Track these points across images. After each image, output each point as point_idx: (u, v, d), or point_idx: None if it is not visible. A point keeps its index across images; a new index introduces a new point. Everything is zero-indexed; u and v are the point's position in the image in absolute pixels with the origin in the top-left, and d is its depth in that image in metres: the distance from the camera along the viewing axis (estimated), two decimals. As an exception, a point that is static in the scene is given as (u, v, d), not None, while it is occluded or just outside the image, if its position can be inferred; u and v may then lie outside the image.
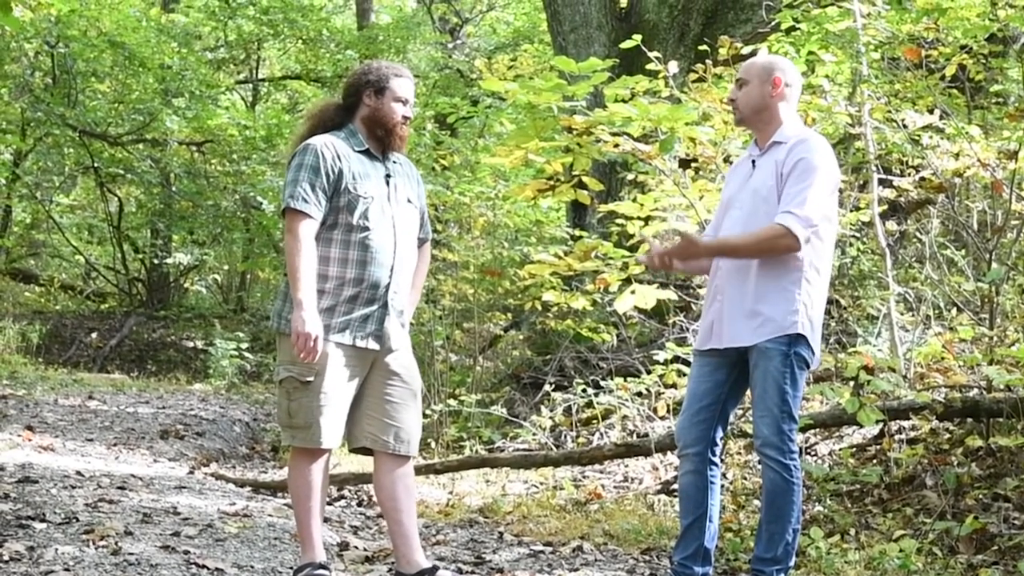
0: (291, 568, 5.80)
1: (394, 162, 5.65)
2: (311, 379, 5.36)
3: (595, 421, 10.01)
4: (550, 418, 10.06)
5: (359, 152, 5.54)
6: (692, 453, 5.68)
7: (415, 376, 5.62)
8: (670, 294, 8.98)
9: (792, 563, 5.54)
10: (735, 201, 5.75)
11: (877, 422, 7.46)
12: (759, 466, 6.80)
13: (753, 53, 8.68)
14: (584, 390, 9.98)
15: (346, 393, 5.46)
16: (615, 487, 8.92)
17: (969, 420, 7.77)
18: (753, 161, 5.74)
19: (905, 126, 9.10)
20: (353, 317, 5.41)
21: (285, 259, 5.45)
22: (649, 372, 9.71)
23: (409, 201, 5.64)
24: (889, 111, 9.18)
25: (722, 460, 8.36)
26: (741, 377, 5.70)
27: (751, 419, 6.95)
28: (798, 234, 5.39)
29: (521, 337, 13.44)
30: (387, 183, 5.55)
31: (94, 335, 20.54)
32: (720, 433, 5.74)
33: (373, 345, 5.45)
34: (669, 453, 8.59)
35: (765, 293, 5.48)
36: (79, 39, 19.86)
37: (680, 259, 5.64)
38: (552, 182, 8.81)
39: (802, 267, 5.49)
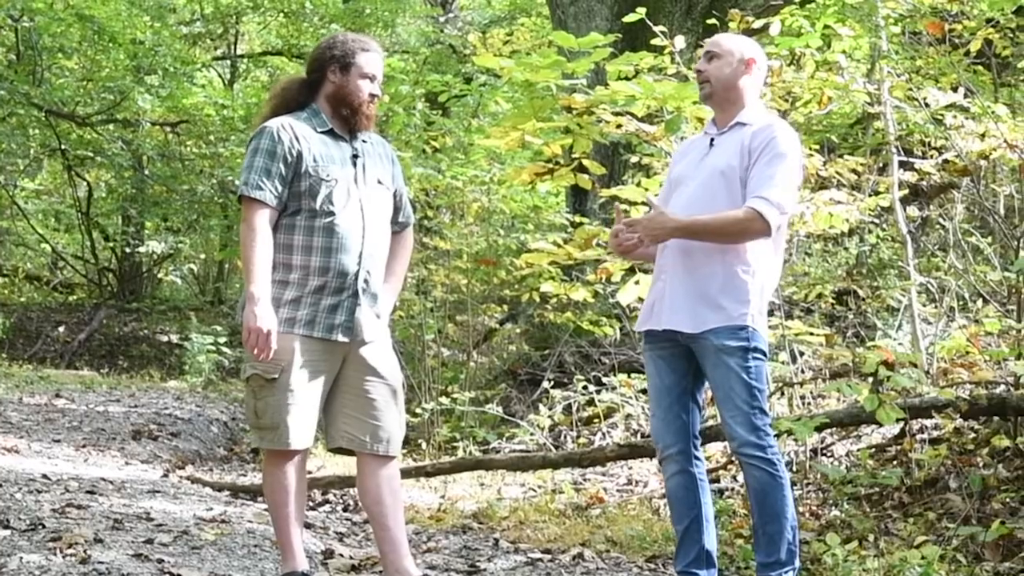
0: (272, 577, 5.82)
1: (364, 141, 5.60)
2: (276, 376, 5.33)
3: (597, 420, 10.03)
4: (549, 417, 10.08)
5: (322, 132, 5.50)
6: (675, 452, 5.68)
7: (394, 370, 5.58)
8: (676, 284, 8.97)
9: (798, 563, 5.54)
10: (686, 179, 5.73)
11: (897, 421, 7.46)
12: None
13: (765, 27, 8.68)
14: (585, 387, 10.00)
15: (315, 390, 5.42)
16: (618, 490, 8.94)
17: (995, 419, 7.79)
18: (712, 140, 5.74)
19: (927, 105, 9.10)
20: (320, 308, 5.38)
21: (240, 250, 5.44)
22: (654, 368, 9.70)
23: (380, 182, 5.58)
24: (910, 89, 9.18)
25: (730, 462, 8.40)
26: (698, 363, 5.69)
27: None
28: (770, 220, 5.39)
29: (518, 331, 13.45)
30: (354, 164, 5.52)
31: (61, 329, 20.56)
32: (698, 425, 5.74)
33: (343, 337, 5.41)
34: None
35: (714, 279, 5.49)
36: (45, 12, 19.82)
37: (649, 235, 5.58)
38: (550, 165, 8.81)
39: (755, 254, 5.51)
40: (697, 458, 5.71)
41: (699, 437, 5.75)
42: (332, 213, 5.38)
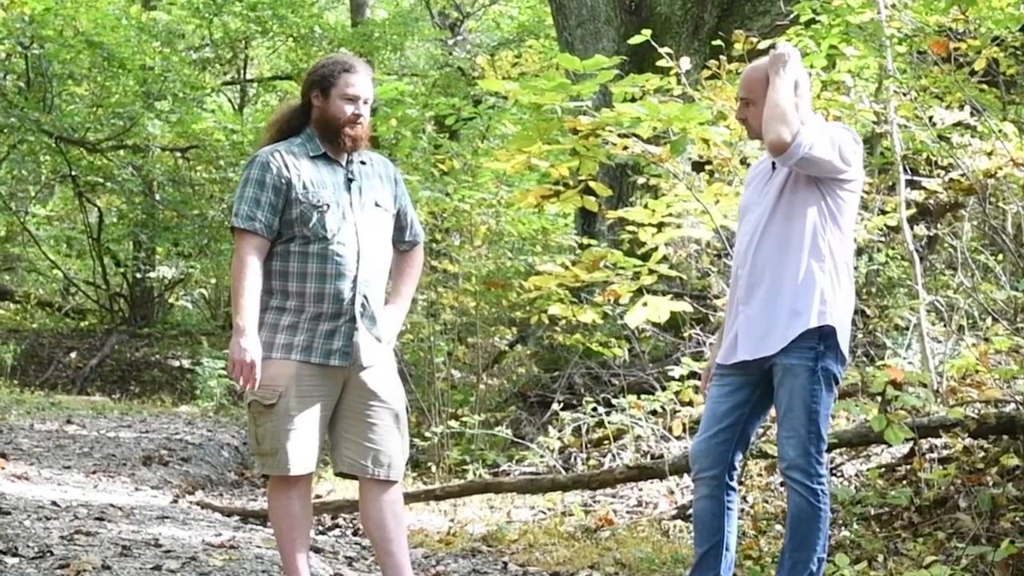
0: (280, 603, 5.81)
1: (362, 163, 5.57)
2: (274, 402, 5.34)
3: (606, 442, 10.00)
4: (558, 439, 10.06)
5: (315, 157, 5.47)
6: (708, 477, 5.67)
7: (396, 394, 5.55)
8: (685, 306, 8.98)
9: (814, 594, 5.54)
10: (752, 205, 5.75)
11: (906, 440, 7.43)
12: (782, 489, 6.81)
13: (771, 48, 8.68)
14: (595, 409, 9.97)
15: (314, 415, 5.41)
16: (628, 512, 8.92)
17: (1005, 437, 7.76)
18: (773, 163, 5.73)
19: (934, 124, 9.10)
20: (317, 333, 5.37)
21: (231, 282, 5.44)
22: (664, 389, 9.70)
23: (378, 205, 5.55)
24: (916, 108, 9.18)
25: (740, 483, 8.38)
26: (764, 396, 5.69)
27: (772, 439, 6.99)
28: (787, 138, 5.41)
29: (528, 353, 13.44)
30: (348, 188, 5.49)
31: (73, 355, 20.57)
32: (739, 456, 5.74)
33: (340, 362, 5.39)
34: (685, 476, 8.58)
35: (786, 290, 5.50)
36: (55, 39, 19.92)
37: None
38: (557, 187, 8.81)
39: (824, 263, 5.52)
40: (731, 487, 5.70)
41: (737, 468, 5.75)
42: (326, 239, 5.36)
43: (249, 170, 5.42)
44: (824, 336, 5.49)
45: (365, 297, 5.44)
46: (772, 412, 5.89)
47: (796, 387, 5.47)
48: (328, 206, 5.38)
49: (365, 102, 5.52)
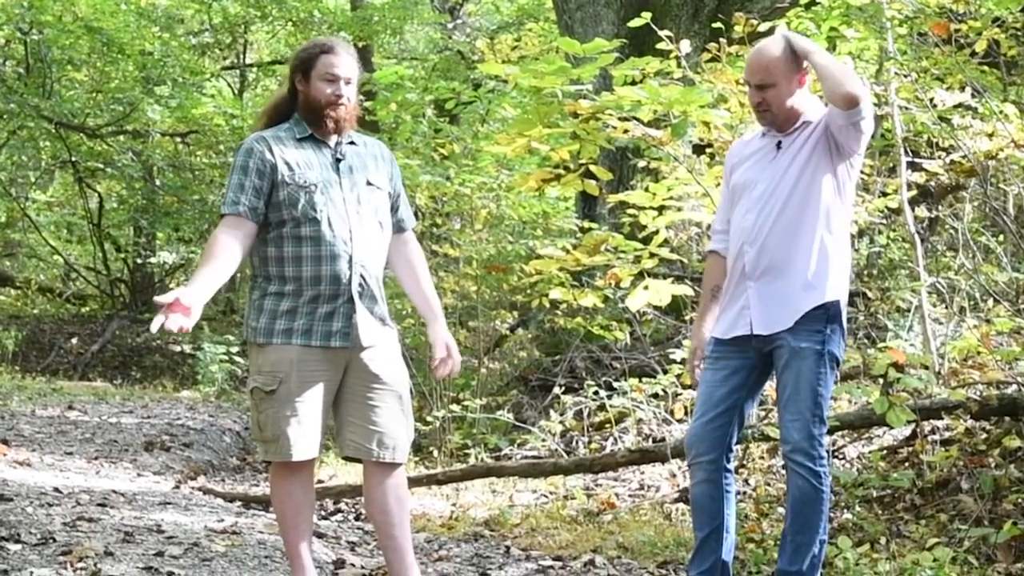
0: (282, 588, 5.81)
1: (350, 142, 5.53)
2: (275, 388, 5.32)
3: (608, 425, 10.00)
4: (560, 423, 10.05)
5: (301, 139, 5.45)
6: (705, 461, 5.65)
7: (398, 376, 5.51)
8: (686, 289, 8.97)
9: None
10: (756, 180, 5.69)
11: (908, 423, 7.44)
12: (783, 471, 6.80)
13: (771, 31, 8.65)
14: (596, 392, 9.96)
15: (316, 400, 5.38)
16: (630, 496, 8.92)
17: (1007, 419, 7.76)
18: (779, 143, 5.69)
19: (934, 105, 9.08)
20: (316, 317, 5.35)
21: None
22: (665, 372, 9.70)
23: (370, 183, 5.50)
24: (917, 90, 9.16)
25: (742, 466, 8.39)
26: (761, 377, 5.69)
27: (774, 422, 6.98)
28: (862, 95, 5.38)
29: (529, 336, 13.44)
30: (337, 169, 5.44)
31: (74, 340, 20.58)
32: (735, 438, 5.73)
33: (341, 343, 5.36)
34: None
35: (799, 268, 5.50)
36: (53, 25, 19.89)
37: None
38: (558, 171, 8.80)
39: (834, 242, 5.54)
40: (728, 470, 5.69)
41: (733, 450, 5.75)
42: (316, 220, 5.31)
43: (236, 157, 5.43)
44: (831, 318, 5.49)
45: (363, 277, 5.40)
46: (770, 394, 5.89)
47: (803, 370, 5.46)
48: (315, 186, 5.34)
49: (347, 83, 5.46)
